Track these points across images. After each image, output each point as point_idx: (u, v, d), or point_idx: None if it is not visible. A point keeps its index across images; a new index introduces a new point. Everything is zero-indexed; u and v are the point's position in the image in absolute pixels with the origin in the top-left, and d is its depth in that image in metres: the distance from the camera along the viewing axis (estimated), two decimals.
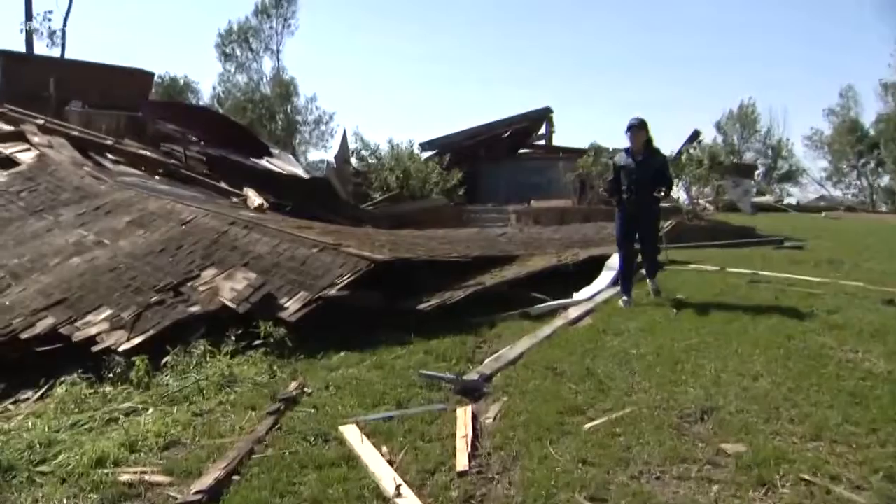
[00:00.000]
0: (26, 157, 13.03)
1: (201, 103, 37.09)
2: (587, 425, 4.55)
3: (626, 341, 6.39)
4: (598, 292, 8.37)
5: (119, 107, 19.20)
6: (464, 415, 4.83)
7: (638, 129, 7.78)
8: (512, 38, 73.96)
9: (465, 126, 28.04)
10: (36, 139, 13.89)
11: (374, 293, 7.62)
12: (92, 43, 61.15)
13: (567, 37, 75.19)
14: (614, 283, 8.90)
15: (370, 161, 23.68)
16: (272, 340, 6.54)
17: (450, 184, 22.18)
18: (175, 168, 15.39)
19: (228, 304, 7.12)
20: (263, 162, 18.33)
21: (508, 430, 4.58)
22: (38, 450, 4.63)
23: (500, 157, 27.50)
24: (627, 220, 7.97)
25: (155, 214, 9.57)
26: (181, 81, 36.77)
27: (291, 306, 7.00)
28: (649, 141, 7.84)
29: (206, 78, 65.16)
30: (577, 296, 8.20)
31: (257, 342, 6.55)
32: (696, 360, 5.68)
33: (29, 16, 38.15)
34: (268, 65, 39.71)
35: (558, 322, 7.25)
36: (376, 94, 66.66)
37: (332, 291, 7.08)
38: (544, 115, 30.03)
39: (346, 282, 7.21)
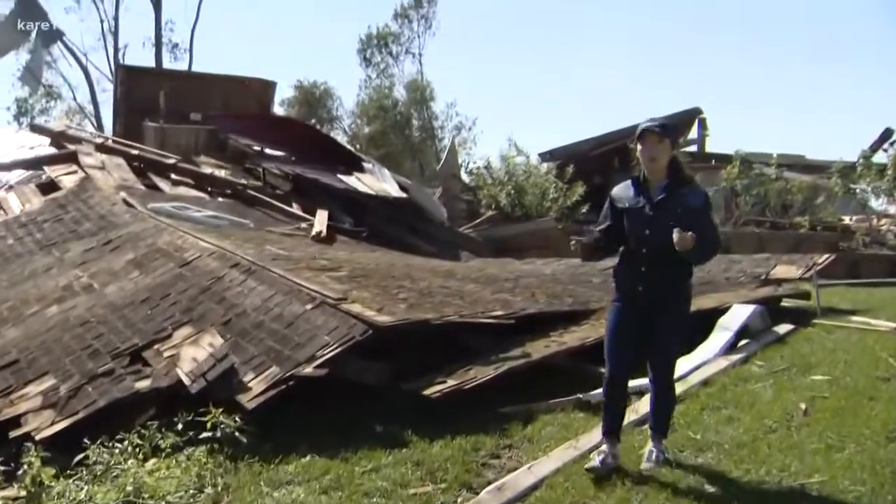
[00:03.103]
0: (69, 180, 12.71)
1: (341, 111, 37.47)
2: None
3: (708, 466, 4.51)
4: (698, 367, 6.46)
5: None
6: None
7: (656, 137, 4.37)
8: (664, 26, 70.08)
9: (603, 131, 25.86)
10: (88, 160, 13.61)
11: (377, 365, 6.14)
12: (225, 54, 64.10)
13: (725, 28, 70.45)
14: (726, 350, 6.96)
15: (480, 175, 22.15)
16: (222, 434, 5.22)
17: (571, 200, 20.17)
18: (242, 189, 14.66)
19: (184, 378, 5.88)
20: (351, 178, 17.30)
21: None
22: None
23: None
24: (626, 311, 4.52)
25: (159, 252, 8.63)
26: (321, 88, 37.10)
27: (255, 387, 5.64)
28: (676, 164, 4.50)
29: (349, 85, 66.52)
30: None
31: (205, 435, 5.26)
32: None
33: (158, 28, 40.29)
34: (409, 69, 39.31)
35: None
36: (519, 98, 65.04)
37: (308, 369, 5.66)
38: (693, 117, 27.20)
39: (330, 355, 5.76)
